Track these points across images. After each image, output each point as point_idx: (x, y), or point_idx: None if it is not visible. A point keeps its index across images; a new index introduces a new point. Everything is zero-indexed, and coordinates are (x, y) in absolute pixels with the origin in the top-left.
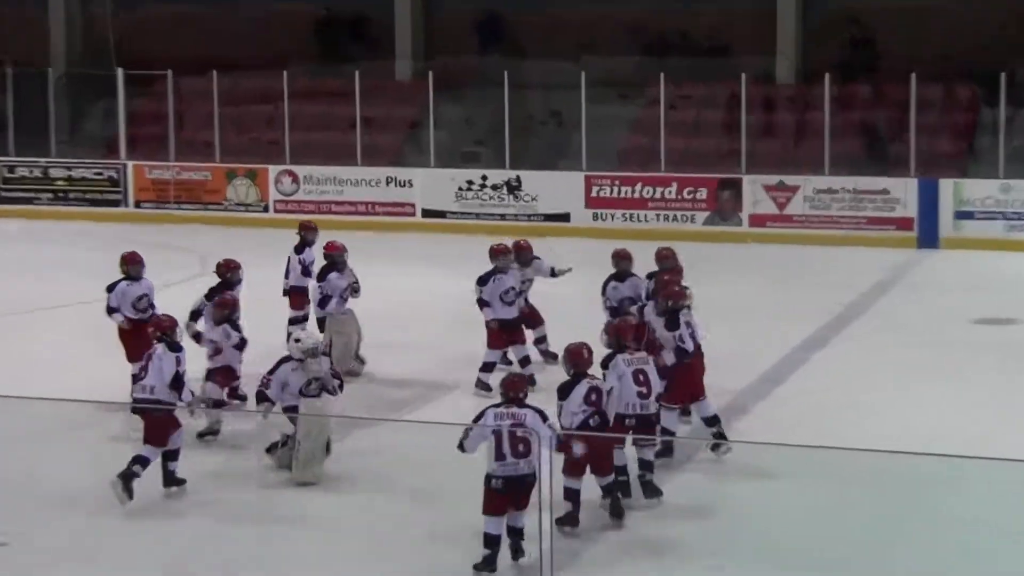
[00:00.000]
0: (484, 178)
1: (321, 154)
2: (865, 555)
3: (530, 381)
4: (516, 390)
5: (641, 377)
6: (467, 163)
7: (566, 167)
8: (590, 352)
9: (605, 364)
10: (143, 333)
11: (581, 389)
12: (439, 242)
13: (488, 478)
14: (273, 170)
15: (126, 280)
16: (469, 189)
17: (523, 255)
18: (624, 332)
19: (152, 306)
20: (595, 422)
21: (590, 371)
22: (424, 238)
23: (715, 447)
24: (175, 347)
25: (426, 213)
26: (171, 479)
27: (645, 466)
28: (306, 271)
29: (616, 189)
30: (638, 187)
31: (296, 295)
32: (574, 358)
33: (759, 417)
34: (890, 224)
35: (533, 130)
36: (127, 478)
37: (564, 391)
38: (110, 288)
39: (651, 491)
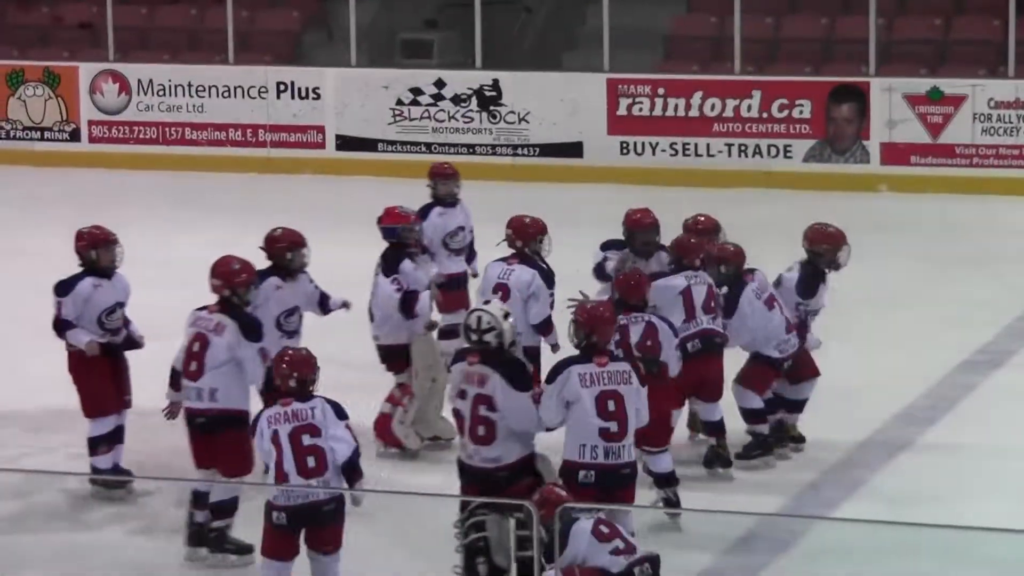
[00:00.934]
0: (440, 84)
1: (166, 46)
2: None
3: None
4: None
5: None
6: (411, 59)
7: (576, 66)
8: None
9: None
10: (113, 366)
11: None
12: (365, 191)
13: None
14: (86, 71)
15: (91, 276)
16: (415, 103)
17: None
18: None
19: (127, 323)
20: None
21: None
22: (341, 184)
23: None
24: (250, 327)
25: (344, 143)
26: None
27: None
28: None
29: (659, 102)
30: (695, 98)
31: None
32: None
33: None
34: None
35: (519, 5)
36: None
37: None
38: (63, 288)
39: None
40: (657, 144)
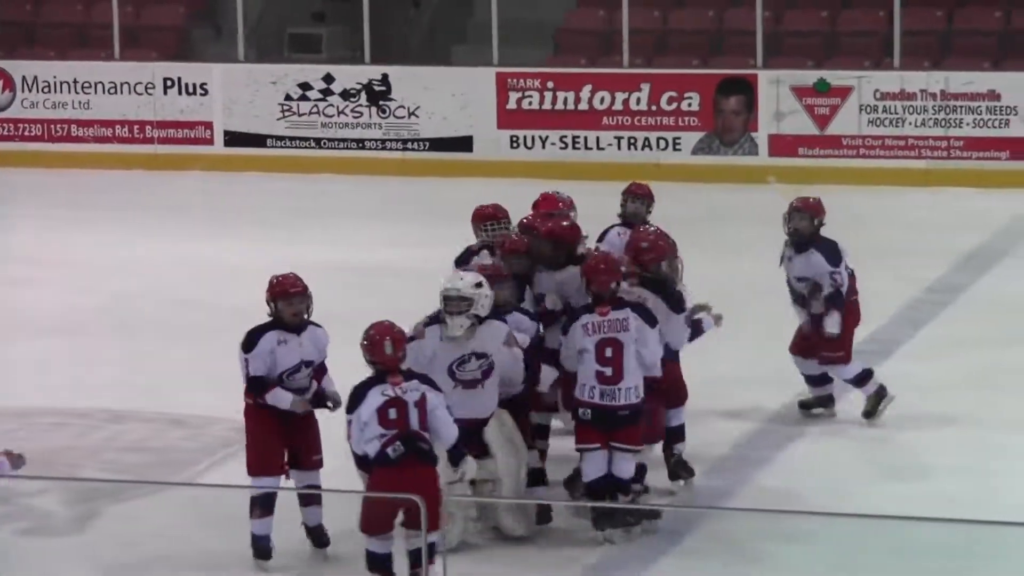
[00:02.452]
0: (328, 79)
1: (51, 41)
2: None
3: None
4: None
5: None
6: (299, 54)
7: (465, 59)
8: None
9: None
10: (288, 425)
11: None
12: (254, 187)
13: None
14: None
15: (276, 329)
16: (303, 98)
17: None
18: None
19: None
20: None
21: None
22: (230, 181)
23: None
24: None
25: (232, 139)
26: None
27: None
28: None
29: (548, 96)
30: (585, 91)
31: None
32: None
33: (788, 459)
34: (1001, 148)
35: None
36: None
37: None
38: (250, 342)
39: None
40: (547, 138)
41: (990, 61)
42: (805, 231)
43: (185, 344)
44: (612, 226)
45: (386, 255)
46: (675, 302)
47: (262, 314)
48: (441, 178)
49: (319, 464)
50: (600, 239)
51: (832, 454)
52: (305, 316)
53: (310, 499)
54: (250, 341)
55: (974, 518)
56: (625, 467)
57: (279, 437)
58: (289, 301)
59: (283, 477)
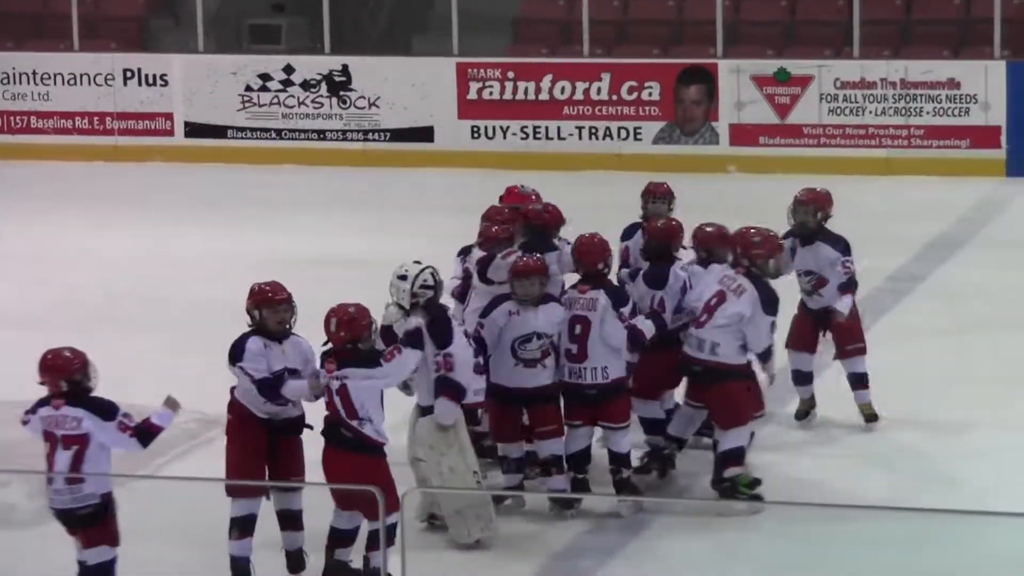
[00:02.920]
0: (288, 69)
1: (9, 33)
2: None
3: None
4: None
5: None
6: (259, 44)
7: (425, 50)
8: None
9: None
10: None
11: None
12: (215, 179)
13: None
14: None
15: (258, 334)
16: (263, 89)
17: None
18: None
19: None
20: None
21: None
22: (191, 172)
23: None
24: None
25: (192, 130)
26: None
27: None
28: None
29: (508, 86)
30: (545, 81)
31: None
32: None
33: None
34: (962, 137)
35: None
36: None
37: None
38: (237, 351)
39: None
40: (508, 128)
41: (949, 49)
42: (811, 225)
43: (145, 336)
44: (635, 224)
45: (347, 246)
46: (770, 304)
47: (221, 305)
48: (402, 169)
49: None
50: (625, 236)
51: (798, 445)
52: (289, 325)
53: (291, 524)
54: (237, 349)
55: (944, 507)
56: (618, 442)
57: (262, 457)
58: (274, 309)
59: (263, 499)
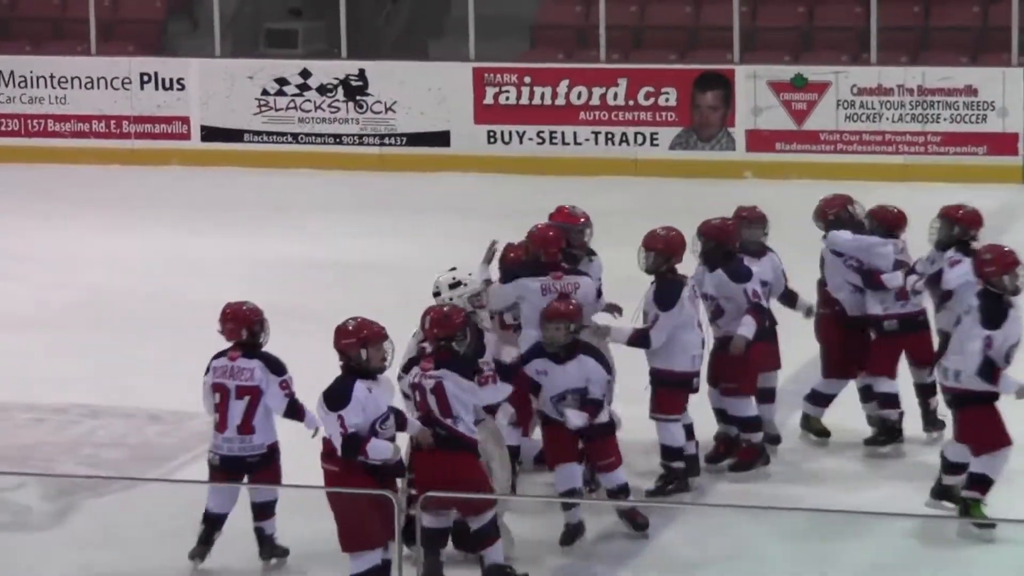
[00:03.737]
0: (305, 74)
1: (29, 34)
2: None
3: None
4: None
5: None
6: (276, 49)
7: (442, 55)
8: None
9: None
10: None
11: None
12: (232, 182)
13: None
14: None
15: (360, 378)
16: (280, 93)
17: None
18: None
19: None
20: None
21: None
22: (207, 176)
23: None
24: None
25: (209, 134)
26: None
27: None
28: None
29: (525, 91)
30: (562, 87)
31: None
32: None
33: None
34: (980, 143)
35: None
36: None
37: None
38: (341, 396)
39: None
40: (524, 132)
41: (967, 56)
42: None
43: (161, 339)
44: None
45: (363, 250)
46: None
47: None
48: (418, 173)
49: None
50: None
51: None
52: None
53: (264, 514)
54: (341, 394)
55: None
56: (664, 435)
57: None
58: (379, 347)
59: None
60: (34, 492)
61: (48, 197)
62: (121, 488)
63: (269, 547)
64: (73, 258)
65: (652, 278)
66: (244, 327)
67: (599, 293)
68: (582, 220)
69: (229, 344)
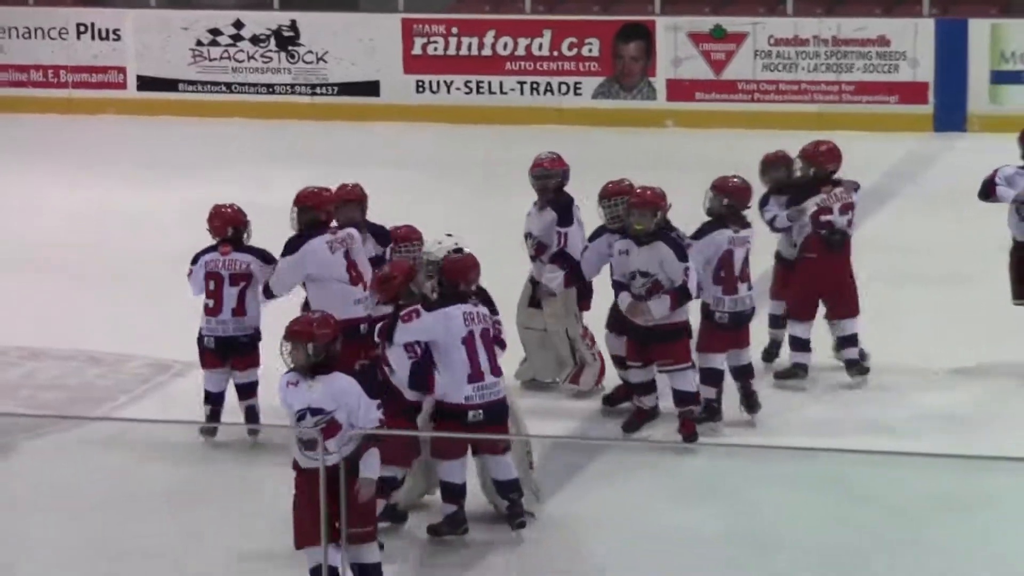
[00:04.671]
0: (238, 25)
1: None
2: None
3: None
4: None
5: None
6: (209, 0)
7: (371, 6)
8: None
9: None
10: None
11: None
12: (167, 131)
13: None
14: None
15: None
16: (214, 43)
17: None
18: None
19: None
20: None
21: None
22: (142, 124)
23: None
24: None
25: (144, 83)
26: None
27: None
28: None
29: (453, 42)
30: (488, 38)
31: None
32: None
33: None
34: (891, 93)
35: None
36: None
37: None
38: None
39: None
40: (452, 83)
41: (880, 8)
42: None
43: (97, 286)
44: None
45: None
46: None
47: (167, 256)
48: (349, 122)
49: None
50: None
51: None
52: None
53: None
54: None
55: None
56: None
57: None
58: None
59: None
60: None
61: None
62: (62, 428)
63: (256, 421)
64: (9, 206)
65: None
66: (230, 225)
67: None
68: (560, 164)
69: (214, 242)
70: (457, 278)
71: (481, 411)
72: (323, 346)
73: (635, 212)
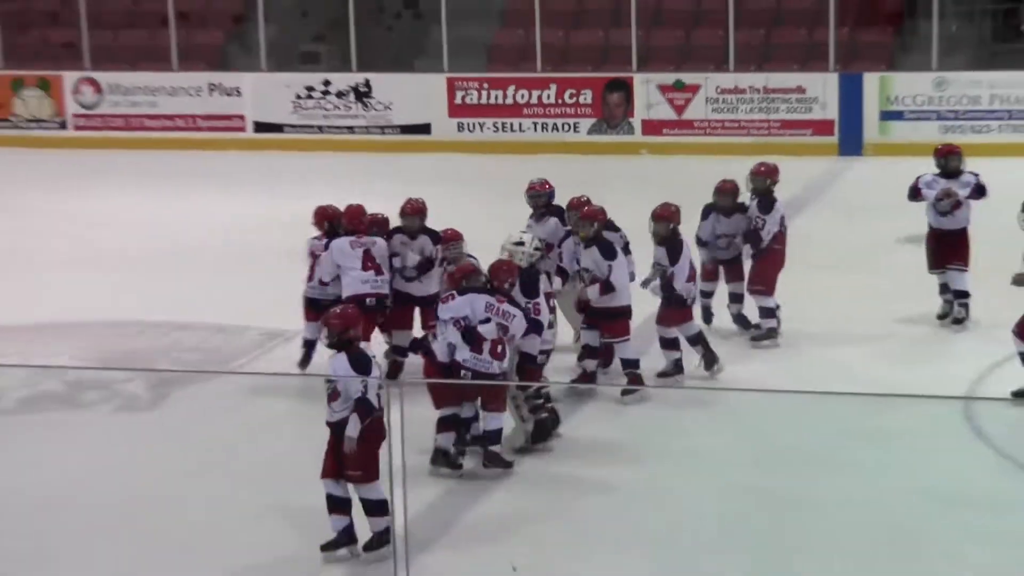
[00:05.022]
0: (327, 83)
1: (128, 57)
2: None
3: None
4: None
5: None
6: (306, 65)
7: (424, 68)
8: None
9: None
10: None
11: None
12: (276, 162)
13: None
14: (70, 78)
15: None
16: (309, 97)
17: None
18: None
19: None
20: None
21: None
22: (257, 157)
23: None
24: None
25: (259, 127)
26: None
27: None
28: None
29: (484, 94)
30: (510, 91)
31: None
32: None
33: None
34: (806, 128)
35: (384, 24)
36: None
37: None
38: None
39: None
40: (484, 124)
41: (798, 65)
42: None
43: (225, 274)
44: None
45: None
46: None
47: (278, 251)
48: (408, 154)
49: None
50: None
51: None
52: None
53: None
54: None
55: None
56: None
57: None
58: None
59: None
60: (140, 384)
61: (142, 174)
62: (200, 380)
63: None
64: (160, 217)
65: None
66: (327, 220)
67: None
68: (548, 187)
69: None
70: (493, 277)
71: (470, 374)
72: (335, 332)
73: (580, 223)
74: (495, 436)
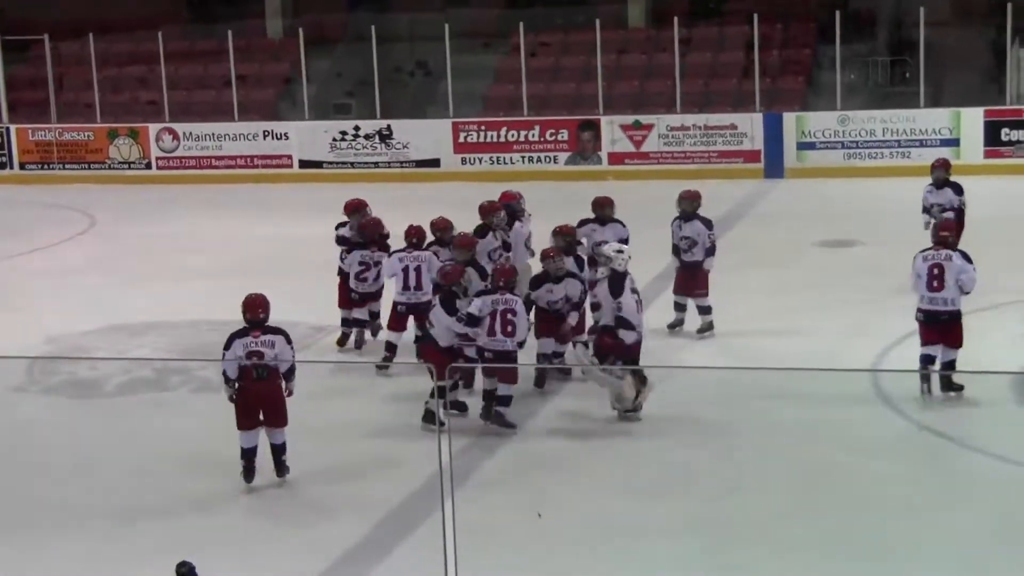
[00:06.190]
0: (356, 128)
1: (199, 111)
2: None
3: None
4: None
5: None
6: (339, 115)
7: (434, 115)
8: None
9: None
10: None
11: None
12: (317, 192)
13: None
14: (153, 128)
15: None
16: (343, 139)
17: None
18: None
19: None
20: None
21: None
22: (301, 188)
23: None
24: None
25: (303, 164)
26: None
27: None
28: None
29: (482, 134)
30: (503, 131)
31: None
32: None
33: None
34: (738, 157)
35: (402, 80)
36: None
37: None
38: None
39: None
40: (482, 158)
41: (730, 107)
42: (690, 210)
43: (280, 280)
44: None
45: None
46: None
47: (321, 264)
48: (422, 183)
49: None
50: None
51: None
52: None
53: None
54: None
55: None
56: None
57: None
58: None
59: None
60: (213, 371)
61: (212, 204)
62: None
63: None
64: (228, 238)
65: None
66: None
67: (528, 238)
68: (518, 196)
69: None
70: (499, 278)
71: (490, 352)
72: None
73: (553, 259)
74: (506, 401)
